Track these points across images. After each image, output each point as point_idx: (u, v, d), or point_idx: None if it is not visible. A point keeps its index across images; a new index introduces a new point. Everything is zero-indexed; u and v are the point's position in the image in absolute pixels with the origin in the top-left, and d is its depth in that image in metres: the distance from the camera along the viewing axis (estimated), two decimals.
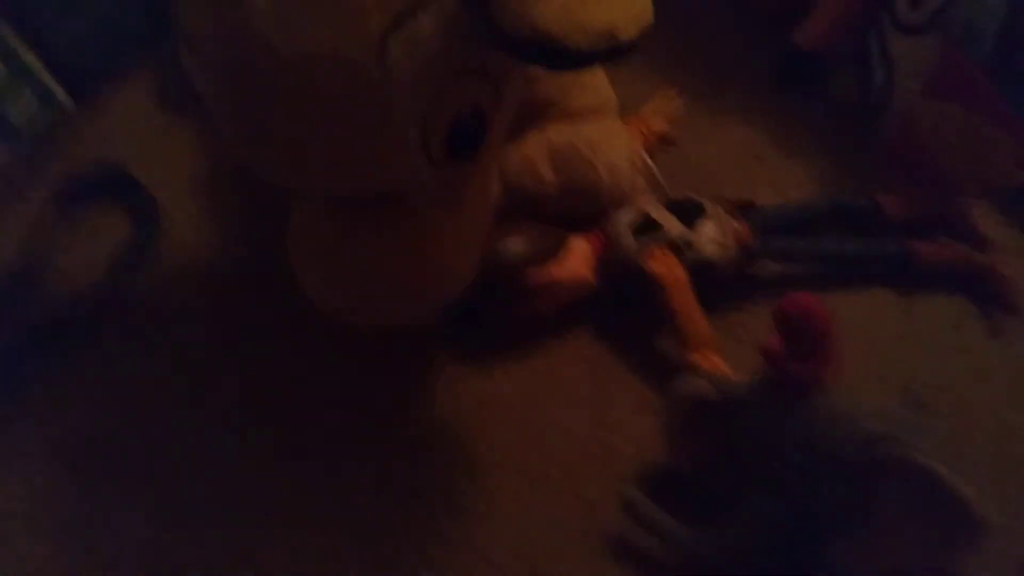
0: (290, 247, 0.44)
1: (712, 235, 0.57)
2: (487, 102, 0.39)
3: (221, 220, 0.59)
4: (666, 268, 0.55)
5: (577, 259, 0.56)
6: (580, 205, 0.58)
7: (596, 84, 0.62)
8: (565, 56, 0.32)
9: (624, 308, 0.58)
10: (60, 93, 0.56)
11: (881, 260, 0.63)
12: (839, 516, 0.45)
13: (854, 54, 0.72)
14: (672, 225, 0.57)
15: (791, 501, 0.45)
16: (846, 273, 0.62)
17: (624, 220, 0.57)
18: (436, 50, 0.35)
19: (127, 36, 0.62)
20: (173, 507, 0.47)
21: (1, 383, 0.50)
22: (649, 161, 0.62)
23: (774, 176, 0.69)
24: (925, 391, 0.56)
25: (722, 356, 0.54)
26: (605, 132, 0.60)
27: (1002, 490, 0.49)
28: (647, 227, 0.56)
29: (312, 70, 0.34)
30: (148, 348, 0.53)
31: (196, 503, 0.47)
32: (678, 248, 0.56)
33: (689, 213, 0.58)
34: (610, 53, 0.32)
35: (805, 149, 0.71)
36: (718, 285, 0.58)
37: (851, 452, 0.44)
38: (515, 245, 0.54)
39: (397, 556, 0.47)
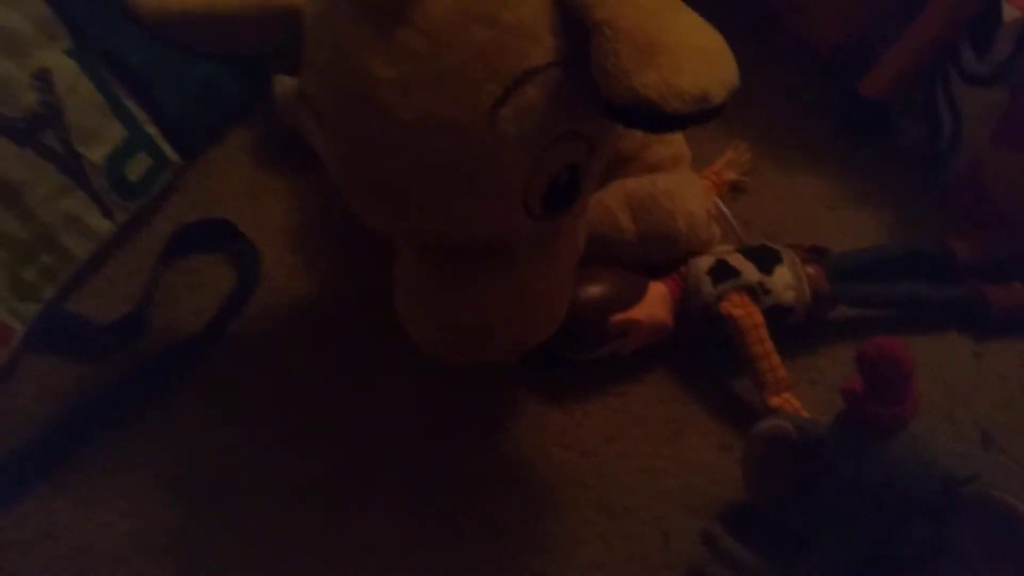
0: (395, 290, 0.48)
1: (788, 281, 0.59)
2: (582, 160, 0.42)
3: (315, 268, 0.63)
4: (744, 313, 0.57)
5: (656, 303, 0.59)
6: (658, 252, 0.61)
7: (671, 138, 0.65)
8: (664, 120, 0.35)
9: (701, 352, 0.60)
10: (171, 153, 0.61)
11: (954, 305, 0.64)
12: (916, 554, 0.46)
13: (921, 103, 0.74)
14: (749, 271, 0.59)
15: (869, 539, 0.47)
16: (919, 317, 0.64)
17: (702, 266, 0.59)
18: (541, 117, 0.38)
19: (227, 102, 0.66)
20: (265, 530, 0.50)
21: (116, 415, 0.54)
22: (724, 209, 0.64)
23: (845, 224, 0.71)
24: (999, 434, 0.57)
25: (798, 398, 0.56)
26: (682, 182, 0.63)
27: None
28: (724, 273, 0.59)
29: (429, 133, 0.38)
30: (249, 383, 0.57)
31: (285, 528, 0.51)
32: (755, 293, 0.58)
33: (765, 260, 0.60)
34: (704, 115, 0.35)
35: (874, 197, 0.73)
36: (793, 329, 0.60)
37: (931, 491, 0.45)
38: (597, 289, 0.57)
39: None
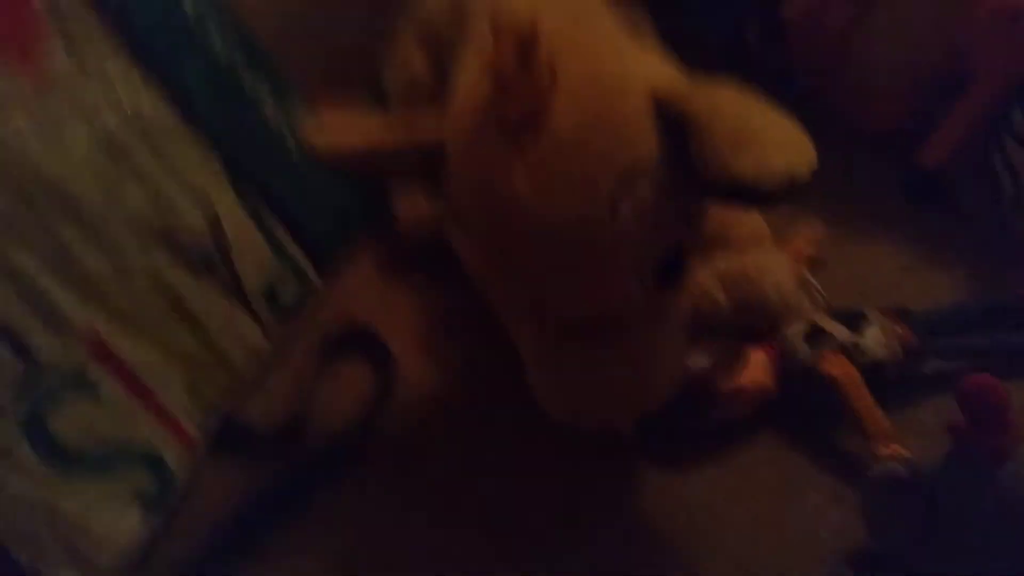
0: (529, 371, 0.55)
1: (879, 339, 0.65)
2: (687, 238, 0.50)
3: (443, 365, 0.71)
4: (841, 369, 0.62)
5: (758, 369, 0.64)
6: (752, 321, 0.67)
7: (751, 217, 0.72)
8: (759, 197, 0.42)
9: (804, 413, 0.65)
10: (314, 276, 0.70)
11: None
12: None
13: (979, 167, 0.80)
14: (840, 332, 0.65)
15: (994, 569, 0.50)
16: (1007, 366, 0.67)
17: (796, 331, 0.65)
18: (653, 204, 0.46)
19: (356, 219, 0.76)
20: None
21: (278, 512, 0.60)
22: (810, 277, 0.70)
23: (923, 285, 0.76)
24: None
25: (904, 448, 0.60)
26: (767, 256, 0.69)
27: None
28: (819, 336, 0.64)
29: (563, 230, 0.46)
30: (399, 472, 0.64)
31: None
32: (848, 352, 0.64)
33: (854, 321, 0.66)
34: (792, 192, 0.42)
35: (947, 258, 0.78)
36: (888, 385, 0.64)
37: None
38: (703, 360, 0.63)
39: None
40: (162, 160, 0.64)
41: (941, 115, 0.80)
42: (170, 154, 0.64)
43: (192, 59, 0.69)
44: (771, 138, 0.44)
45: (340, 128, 0.56)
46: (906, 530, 0.55)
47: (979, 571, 0.51)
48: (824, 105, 0.90)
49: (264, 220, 0.70)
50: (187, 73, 0.68)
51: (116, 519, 0.57)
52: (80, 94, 0.59)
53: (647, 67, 0.51)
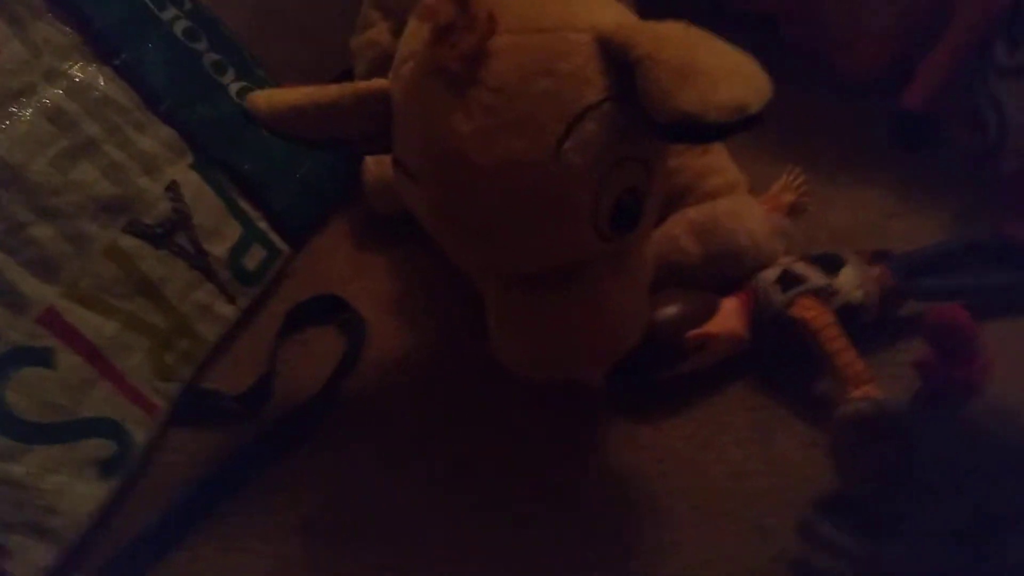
0: (488, 319, 0.54)
1: (854, 280, 0.63)
2: (641, 182, 0.49)
3: (417, 328, 0.71)
4: (814, 312, 0.61)
5: (730, 317, 0.63)
6: (725, 271, 0.66)
7: (725, 167, 0.71)
8: (706, 131, 0.41)
9: (779, 360, 0.64)
10: (280, 244, 0.70)
11: (1019, 290, 0.66)
12: (1016, 510, 0.48)
13: (964, 105, 0.78)
14: (815, 276, 0.63)
15: (967, 504, 0.49)
16: (989, 306, 0.66)
17: (769, 277, 0.64)
18: (600, 146, 0.45)
19: (326, 195, 0.76)
20: (398, 560, 0.56)
21: (252, 472, 0.61)
22: (785, 223, 0.69)
23: (907, 230, 0.74)
24: None
25: (879, 391, 0.59)
26: (741, 203, 0.68)
27: None
28: (792, 281, 0.63)
29: (507, 174, 0.45)
30: (368, 433, 0.64)
31: (415, 557, 0.57)
32: (824, 296, 0.62)
33: (829, 264, 0.64)
34: (742, 124, 0.41)
35: (932, 202, 0.76)
36: (868, 329, 0.63)
37: (1015, 451, 0.47)
38: (672, 309, 0.62)
39: None
40: (114, 131, 0.63)
41: (924, 58, 0.79)
42: (122, 125, 0.64)
43: (150, 37, 0.69)
44: (718, 71, 0.43)
45: (284, 93, 0.56)
46: (876, 472, 0.54)
47: (951, 512, 0.50)
48: (808, 52, 0.88)
49: (226, 190, 0.70)
50: (144, 50, 0.68)
51: (76, 486, 0.58)
52: (22, 66, 0.59)
53: (592, 9, 0.50)
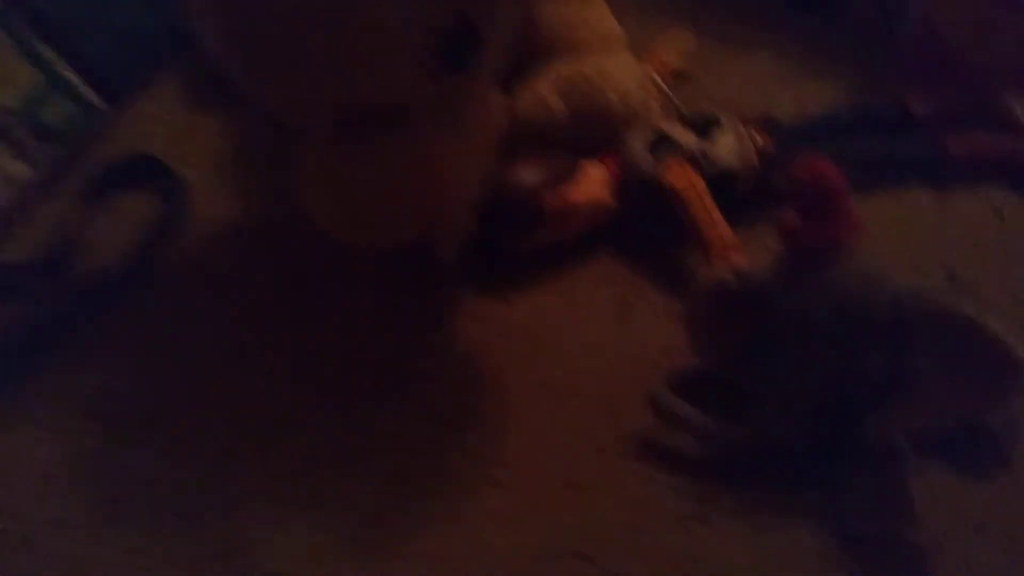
0: (297, 175, 0.47)
1: (730, 146, 0.58)
2: (477, 14, 0.41)
3: (245, 193, 0.63)
4: (683, 179, 0.56)
5: (593, 182, 0.57)
6: (592, 131, 0.60)
7: (601, 17, 0.64)
8: None
9: (646, 228, 0.59)
10: (94, 98, 0.61)
11: (913, 158, 0.62)
12: (875, 385, 0.44)
13: None
14: (687, 138, 0.57)
15: (821, 380, 0.45)
16: (878, 175, 0.62)
17: (638, 139, 0.58)
18: None
19: (151, 48, 0.66)
20: (192, 448, 0.50)
21: (38, 344, 0.54)
22: (661, 82, 0.63)
23: (799, 97, 0.69)
24: (968, 274, 0.55)
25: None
26: (614, 60, 0.61)
27: None
28: (662, 144, 0.57)
29: None
30: (176, 307, 0.57)
31: (215, 441, 0.50)
32: (695, 160, 0.57)
33: (704, 126, 0.59)
34: None
35: (829, 68, 0.71)
36: (743, 198, 0.58)
37: (882, 313, 0.43)
38: (529, 172, 0.56)
39: (419, 473, 0.48)
40: None
41: None
42: None
43: None
44: None
45: None
46: (734, 347, 0.49)
47: (808, 386, 0.46)
48: None
49: (18, 31, 0.60)
50: None
51: None
52: None
53: None
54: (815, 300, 0.44)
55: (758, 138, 0.59)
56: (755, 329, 0.47)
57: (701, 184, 0.56)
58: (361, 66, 0.42)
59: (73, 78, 0.62)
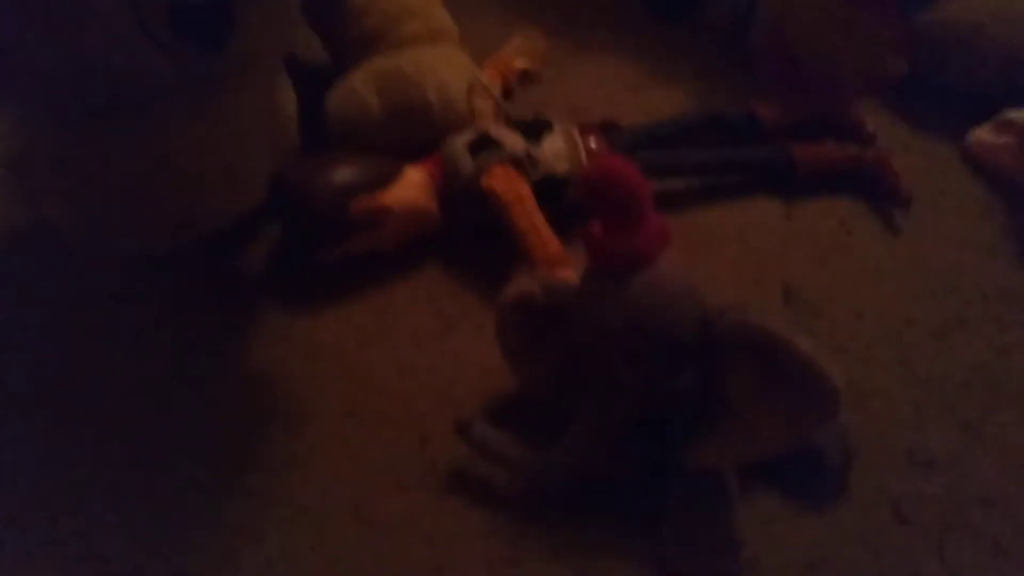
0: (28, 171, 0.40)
1: (559, 150, 0.54)
2: None
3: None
4: (506, 185, 0.51)
5: (411, 187, 0.52)
6: (411, 130, 0.55)
7: (428, 11, 0.59)
8: None
9: (471, 237, 0.54)
10: None
11: (760, 167, 0.59)
12: (690, 407, 0.41)
13: None
14: (513, 141, 0.53)
15: (630, 399, 0.41)
16: (726, 184, 0.59)
17: (460, 141, 0.53)
18: None
19: None
20: None
21: None
22: (487, 83, 0.58)
23: (648, 105, 0.66)
24: (814, 294, 0.52)
25: None
26: (437, 55, 0.57)
27: (908, 391, 0.47)
28: (485, 146, 0.53)
29: None
30: None
31: None
32: (520, 163, 0.53)
33: (533, 129, 0.55)
34: None
35: (679, 76, 0.68)
36: (573, 205, 0.54)
37: (688, 331, 0.39)
38: (336, 173, 0.51)
39: (192, 516, 0.42)
40: None
41: None
42: None
43: None
44: None
45: None
46: (548, 367, 0.45)
47: (617, 406, 0.42)
48: None
49: None
50: None
51: None
52: None
53: None
54: (616, 315, 0.39)
55: (596, 146, 0.55)
56: (564, 346, 0.43)
57: (526, 189, 0.52)
58: (82, 43, 0.36)
59: None
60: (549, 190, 0.52)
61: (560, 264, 0.50)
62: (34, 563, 0.41)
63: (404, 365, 0.49)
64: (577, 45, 0.70)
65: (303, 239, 0.50)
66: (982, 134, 0.60)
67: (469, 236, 0.53)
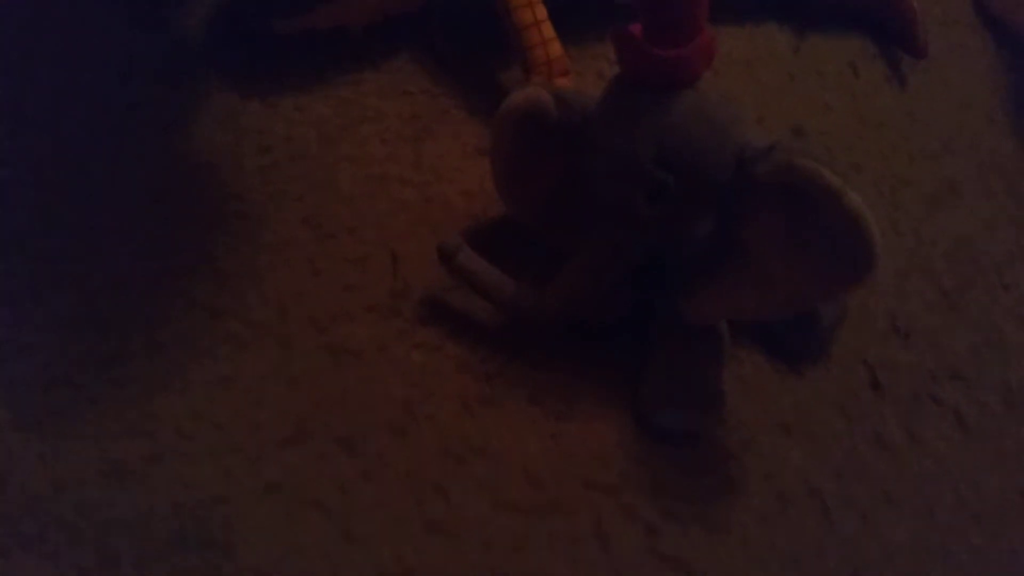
0: None
1: None
2: None
3: None
4: None
5: None
6: None
7: None
8: None
9: (457, 28, 0.48)
10: None
11: None
12: (699, 251, 0.38)
13: None
14: None
15: (644, 236, 0.38)
16: (737, 7, 0.55)
17: None
18: None
19: None
20: None
21: None
22: None
23: None
24: (815, 139, 0.50)
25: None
26: None
27: (895, 257, 0.46)
28: None
29: None
30: None
31: None
32: None
33: None
34: None
35: None
36: (582, 11, 0.49)
37: (723, 168, 0.36)
38: None
39: (138, 324, 0.38)
40: None
41: None
42: None
43: None
44: None
45: None
46: (544, 192, 0.41)
47: (625, 243, 0.38)
48: None
49: None
50: None
51: None
52: None
53: None
54: (647, 141, 0.35)
55: None
56: (569, 169, 0.39)
57: None
58: None
59: None
60: None
61: (561, 72, 0.45)
62: None
63: (373, 173, 0.44)
64: None
65: (257, 2, 0.43)
66: None
67: (451, 24, 0.47)
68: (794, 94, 0.52)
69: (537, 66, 0.44)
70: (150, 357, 0.37)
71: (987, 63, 0.56)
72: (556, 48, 0.45)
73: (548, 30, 0.44)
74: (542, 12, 0.44)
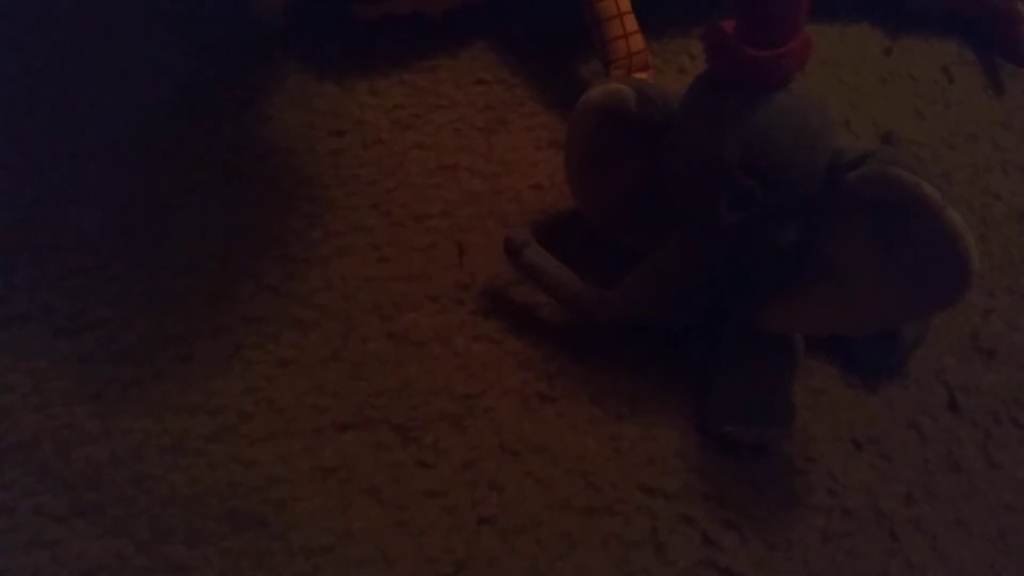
0: None
1: None
2: None
3: None
4: None
5: None
6: None
7: None
8: None
9: (538, 20, 0.48)
10: None
11: None
12: (782, 259, 0.37)
13: None
14: None
15: (723, 243, 0.37)
16: (830, 6, 0.53)
17: None
18: None
19: None
20: None
21: None
22: None
23: None
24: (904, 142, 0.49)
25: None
26: None
27: (982, 273, 0.44)
28: None
29: None
30: None
31: None
32: None
33: None
34: None
35: None
36: (665, 3, 0.48)
37: (814, 176, 0.35)
38: None
39: (197, 302, 0.39)
40: None
41: None
42: None
43: None
44: None
45: None
46: (620, 189, 0.41)
47: (704, 247, 0.38)
48: None
49: None
50: None
51: None
52: None
53: None
54: (734, 143, 0.34)
55: None
56: (647, 168, 0.39)
57: None
58: None
59: None
60: None
61: (641, 67, 0.45)
62: (24, 332, 0.38)
63: (444, 161, 0.44)
64: None
65: None
66: None
67: (528, 15, 0.47)
68: (884, 98, 0.51)
69: (617, 59, 0.44)
70: (215, 337, 0.38)
71: None
72: (638, 42, 0.44)
73: (631, 23, 0.44)
74: (626, 4, 0.44)
